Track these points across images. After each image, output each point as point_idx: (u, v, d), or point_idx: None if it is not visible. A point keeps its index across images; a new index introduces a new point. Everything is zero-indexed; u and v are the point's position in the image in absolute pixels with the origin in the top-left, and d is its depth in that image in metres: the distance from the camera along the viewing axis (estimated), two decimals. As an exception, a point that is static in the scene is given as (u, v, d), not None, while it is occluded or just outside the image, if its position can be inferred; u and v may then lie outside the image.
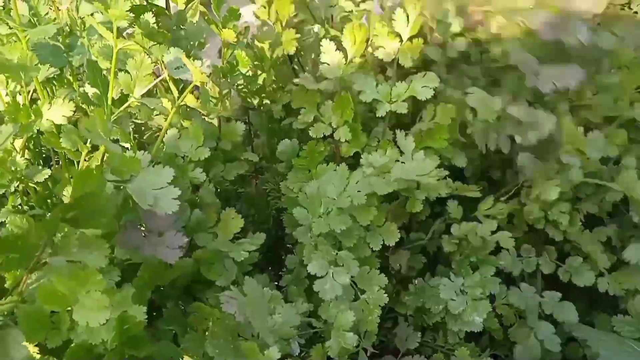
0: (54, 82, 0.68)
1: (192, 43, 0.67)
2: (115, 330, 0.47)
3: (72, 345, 0.52)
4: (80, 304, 0.48)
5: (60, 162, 0.70)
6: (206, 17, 0.68)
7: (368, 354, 0.63)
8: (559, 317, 0.67)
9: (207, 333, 0.60)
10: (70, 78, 0.68)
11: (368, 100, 0.68)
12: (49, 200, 0.68)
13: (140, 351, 0.53)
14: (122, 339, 0.49)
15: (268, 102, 0.81)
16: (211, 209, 0.64)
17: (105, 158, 0.55)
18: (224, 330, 0.51)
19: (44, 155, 0.78)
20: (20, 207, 0.66)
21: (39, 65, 0.58)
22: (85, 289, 0.47)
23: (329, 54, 0.69)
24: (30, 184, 0.64)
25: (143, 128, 0.74)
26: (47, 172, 0.63)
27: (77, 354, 0.51)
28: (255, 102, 0.78)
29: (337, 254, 0.65)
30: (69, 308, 0.49)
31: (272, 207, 0.82)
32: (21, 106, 0.55)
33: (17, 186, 0.66)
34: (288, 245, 0.84)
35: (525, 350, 0.67)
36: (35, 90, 0.67)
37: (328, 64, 0.69)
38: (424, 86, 0.67)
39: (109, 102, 0.58)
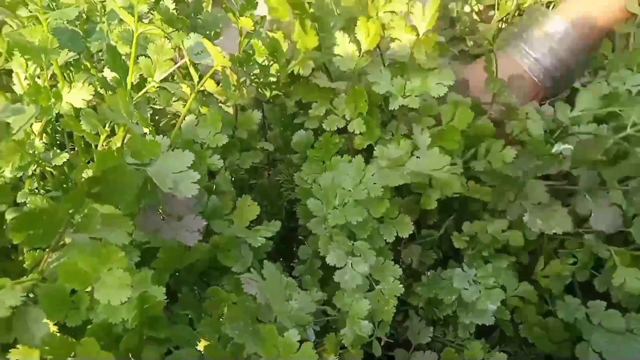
0: (71, 67, 0.68)
1: (208, 32, 0.67)
2: (136, 309, 0.47)
3: (91, 325, 0.52)
4: (101, 282, 0.48)
5: (76, 147, 0.71)
6: (224, 5, 0.69)
7: (382, 344, 0.64)
8: (608, 326, 0.66)
9: (222, 318, 0.60)
10: (88, 64, 0.69)
11: (381, 92, 0.68)
12: (64, 185, 0.69)
13: (159, 332, 0.54)
14: (142, 319, 0.49)
15: (281, 94, 0.81)
16: (227, 196, 0.64)
17: (125, 141, 0.55)
18: (243, 313, 0.51)
19: (57, 142, 0.79)
20: (36, 190, 0.66)
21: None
22: (107, 266, 0.47)
23: (342, 46, 0.69)
24: (47, 168, 0.65)
25: (157, 116, 0.75)
26: (65, 156, 0.63)
27: (96, 334, 0.51)
28: (269, 94, 0.79)
29: (353, 244, 0.66)
30: (90, 287, 0.49)
31: (285, 199, 0.83)
32: (42, 89, 0.56)
33: (35, 170, 0.66)
34: (300, 237, 0.84)
35: None
36: (52, 75, 0.68)
37: (341, 56, 0.69)
38: (438, 83, 0.67)
39: (129, 86, 0.58)
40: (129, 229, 0.46)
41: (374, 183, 0.63)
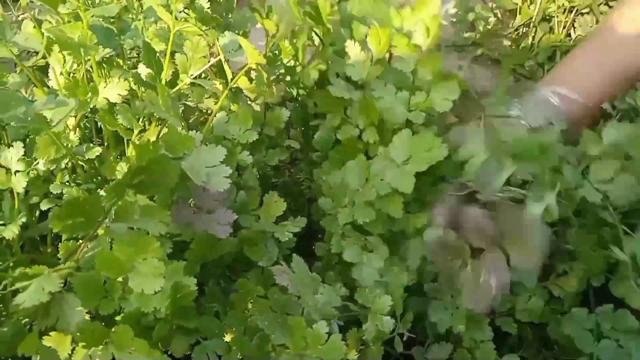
0: (104, 64, 0.70)
1: (237, 31, 0.69)
2: (169, 299, 0.48)
3: (123, 314, 0.54)
4: (136, 271, 0.49)
5: (105, 142, 0.72)
6: (252, 6, 0.70)
7: (404, 339, 0.64)
8: (619, 327, 0.66)
9: (248, 310, 0.62)
10: (120, 61, 0.70)
11: (385, 107, 0.67)
12: (94, 179, 0.70)
13: (189, 323, 0.55)
14: (174, 308, 0.50)
15: (305, 93, 0.82)
16: (254, 192, 0.65)
17: (161, 135, 0.57)
18: (272, 305, 0.52)
19: (85, 138, 0.81)
20: (68, 183, 0.68)
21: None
22: (142, 256, 0.48)
23: (354, 55, 0.68)
24: (79, 162, 0.66)
25: (184, 114, 0.76)
26: (97, 149, 0.65)
27: (127, 323, 0.53)
28: (295, 93, 0.80)
29: (366, 239, 0.66)
30: (125, 276, 0.50)
31: (306, 197, 0.84)
32: (80, 83, 0.57)
33: (67, 163, 0.68)
34: (319, 235, 0.85)
35: None
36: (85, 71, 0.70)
37: (353, 66, 0.69)
38: (444, 98, 0.66)
39: (163, 82, 0.60)
40: (165, 219, 0.47)
41: (381, 180, 0.63)
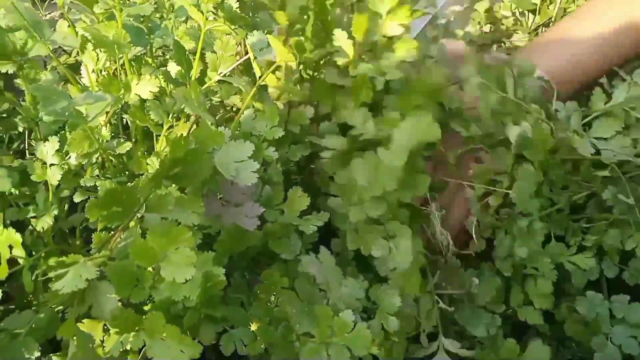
0: (132, 62, 0.72)
1: (264, 30, 0.71)
2: (200, 287, 0.50)
3: (154, 302, 0.55)
4: (167, 260, 0.51)
5: (133, 138, 0.75)
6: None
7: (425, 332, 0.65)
8: (631, 319, 0.67)
9: (272, 301, 0.63)
10: (149, 59, 0.73)
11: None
12: (122, 174, 0.73)
13: (217, 311, 0.57)
14: (204, 297, 0.52)
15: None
16: (279, 187, 0.67)
17: (191, 130, 0.59)
18: (300, 294, 0.54)
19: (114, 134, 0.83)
20: (97, 177, 0.70)
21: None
22: (175, 245, 0.50)
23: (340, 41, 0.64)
24: (109, 157, 0.69)
25: (210, 111, 0.78)
26: (128, 144, 0.67)
27: (158, 311, 0.54)
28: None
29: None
30: (156, 265, 0.52)
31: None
32: (114, 80, 0.59)
33: (97, 158, 0.70)
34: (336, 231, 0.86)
35: (605, 357, 0.67)
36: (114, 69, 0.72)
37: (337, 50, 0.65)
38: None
39: (193, 80, 0.62)
40: (199, 210, 0.49)
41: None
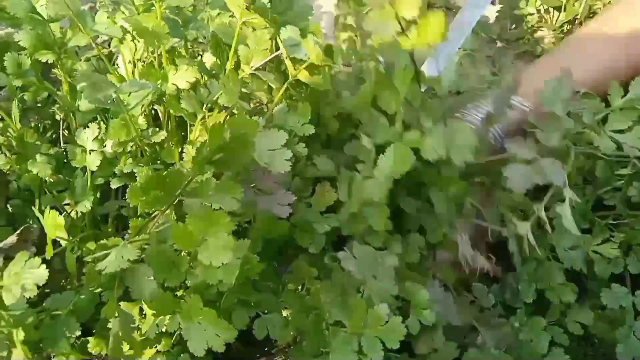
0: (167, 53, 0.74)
1: (296, 26, 0.72)
2: (239, 270, 0.51)
3: (191, 286, 0.57)
4: (205, 245, 0.53)
5: (168, 128, 0.76)
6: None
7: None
8: None
9: (301, 290, 0.65)
10: (182, 51, 0.74)
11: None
12: (154, 163, 0.74)
13: (251, 296, 0.58)
14: (242, 281, 0.53)
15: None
16: (308, 182, 0.68)
17: (226, 119, 0.60)
18: (334, 284, 0.55)
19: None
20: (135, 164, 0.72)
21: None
22: (214, 230, 0.52)
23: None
24: (144, 146, 0.70)
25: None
26: (163, 134, 0.69)
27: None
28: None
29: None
30: (193, 249, 0.54)
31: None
32: (154, 70, 0.61)
33: (132, 146, 0.72)
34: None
35: (626, 349, 0.67)
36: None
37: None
38: None
39: (228, 71, 0.63)
40: (238, 196, 0.50)
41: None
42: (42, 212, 0.59)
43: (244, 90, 0.72)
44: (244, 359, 0.75)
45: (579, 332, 0.70)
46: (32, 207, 0.76)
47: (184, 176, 0.49)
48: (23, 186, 0.80)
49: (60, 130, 0.83)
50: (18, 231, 0.58)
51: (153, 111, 0.80)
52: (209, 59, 0.67)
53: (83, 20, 0.62)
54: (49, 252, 0.53)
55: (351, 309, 0.54)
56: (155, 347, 0.62)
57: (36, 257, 0.52)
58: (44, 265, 0.51)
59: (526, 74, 0.76)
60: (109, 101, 0.58)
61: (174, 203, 0.54)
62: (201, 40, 0.78)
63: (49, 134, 0.88)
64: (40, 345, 0.55)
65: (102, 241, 0.55)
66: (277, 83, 0.65)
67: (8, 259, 0.56)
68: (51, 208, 0.69)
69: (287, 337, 0.62)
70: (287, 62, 0.62)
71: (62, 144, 0.82)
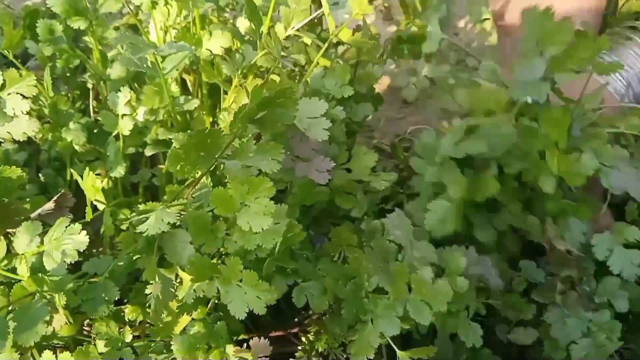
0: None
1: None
2: (283, 236, 0.51)
3: (226, 254, 0.56)
4: (245, 210, 0.52)
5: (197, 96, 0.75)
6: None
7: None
8: None
9: (339, 258, 0.64)
10: (213, 18, 0.73)
11: None
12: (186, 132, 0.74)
13: (289, 264, 0.57)
14: (285, 246, 0.53)
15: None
16: (342, 146, 0.67)
17: (265, 83, 0.59)
18: (375, 251, 0.54)
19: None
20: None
21: None
22: (255, 195, 0.51)
23: None
24: (176, 114, 0.69)
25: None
26: (196, 101, 0.68)
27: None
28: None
29: None
30: (232, 214, 0.53)
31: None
32: (189, 34, 0.60)
33: (163, 115, 0.71)
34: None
35: None
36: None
37: None
38: None
39: (263, 36, 0.61)
40: (280, 157, 0.49)
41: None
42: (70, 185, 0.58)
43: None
44: (275, 330, 0.75)
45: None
46: (64, 175, 0.76)
47: (224, 137, 0.47)
48: (54, 155, 0.80)
49: (90, 100, 0.82)
50: (55, 197, 0.58)
51: (182, 81, 0.80)
52: (242, 24, 0.65)
53: (117, -17, 0.61)
54: (89, 214, 0.53)
55: (393, 275, 0.52)
56: (191, 314, 0.62)
57: (76, 223, 0.51)
58: (84, 232, 0.51)
59: None
60: (144, 65, 0.57)
61: (212, 168, 0.53)
62: (231, 8, 0.77)
63: (77, 104, 0.88)
64: (81, 310, 0.55)
65: (139, 206, 0.55)
66: (319, 42, 0.63)
67: (43, 225, 0.56)
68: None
69: (324, 305, 0.62)
70: (330, 20, 0.60)
71: (91, 114, 0.81)
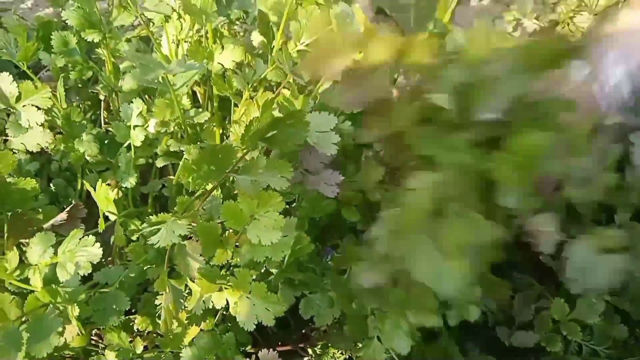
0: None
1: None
2: (291, 248, 0.51)
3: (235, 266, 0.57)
4: (254, 223, 0.52)
5: (208, 109, 0.76)
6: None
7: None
8: None
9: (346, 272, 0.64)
10: (225, 31, 0.74)
11: None
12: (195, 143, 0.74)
13: (297, 275, 0.58)
14: (292, 259, 0.53)
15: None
16: (351, 160, 0.67)
17: (275, 97, 0.60)
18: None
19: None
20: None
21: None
22: (265, 209, 0.51)
23: None
24: (186, 126, 0.70)
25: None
26: (206, 114, 0.68)
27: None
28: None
29: None
30: (242, 227, 0.54)
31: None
32: (201, 48, 0.61)
33: (174, 127, 0.72)
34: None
35: None
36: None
37: None
38: None
39: (275, 50, 0.62)
40: (289, 175, 0.50)
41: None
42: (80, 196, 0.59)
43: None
44: (282, 343, 0.75)
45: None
46: (75, 185, 0.77)
47: (236, 152, 0.48)
48: (65, 166, 0.81)
49: (101, 111, 0.83)
50: (68, 208, 0.59)
51: (192, 93, 0.80)
52: (256, 38, 0.66)
53: (133, -1, 0.62)
54: (101, 225, 0.53)
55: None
56: (200, 325, 0.62)
57: (90, 236, 0.52)
58: (98, 244, 0.51)
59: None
60: (155, 81, 0.58)
61: (222, 182, 0.54)
62: (242, 21, 0.78)
63: (88, 115, 0.89)
64: (90, 320, 0.55)
65: (150, 217, 0.55)
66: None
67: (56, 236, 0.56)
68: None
69: (328, 318, 0.62)
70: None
71: (102, 125, 0.82)
